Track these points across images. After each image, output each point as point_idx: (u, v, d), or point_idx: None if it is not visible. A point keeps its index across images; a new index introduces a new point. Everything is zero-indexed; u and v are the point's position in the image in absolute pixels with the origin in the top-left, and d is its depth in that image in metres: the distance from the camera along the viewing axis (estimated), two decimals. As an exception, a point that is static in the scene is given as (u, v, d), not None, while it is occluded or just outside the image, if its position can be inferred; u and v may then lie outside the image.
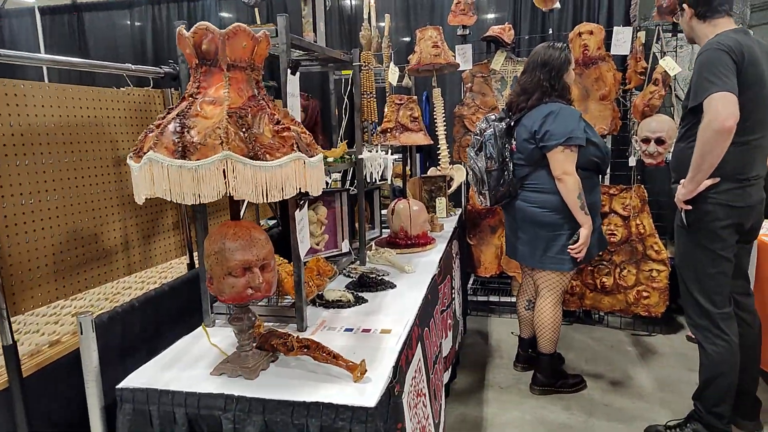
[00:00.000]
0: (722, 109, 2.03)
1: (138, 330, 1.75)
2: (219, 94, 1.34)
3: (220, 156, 1.22)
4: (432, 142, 2.91)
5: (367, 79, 2.43)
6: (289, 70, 1.63)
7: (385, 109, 2.81)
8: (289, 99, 1.64)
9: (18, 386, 1.47)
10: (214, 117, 1.29)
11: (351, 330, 1.69)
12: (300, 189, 1.35)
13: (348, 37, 4.54)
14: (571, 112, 2.55)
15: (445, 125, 3.72)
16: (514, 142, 2.67)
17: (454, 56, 3.65)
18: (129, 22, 5.22)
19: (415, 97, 2.80)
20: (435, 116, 3.71)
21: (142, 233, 2.08)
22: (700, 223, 2.25)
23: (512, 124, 2.70)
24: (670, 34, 3.39)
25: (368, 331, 1.67)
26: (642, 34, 3.40)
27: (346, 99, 2.91)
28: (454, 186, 3.85)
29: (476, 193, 2.83)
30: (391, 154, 2.62)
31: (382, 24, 3.67)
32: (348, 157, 2.37)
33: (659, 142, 3.31)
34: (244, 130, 1.29)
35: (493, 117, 2.79)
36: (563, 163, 2.49)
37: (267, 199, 1.29)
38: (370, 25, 3.16)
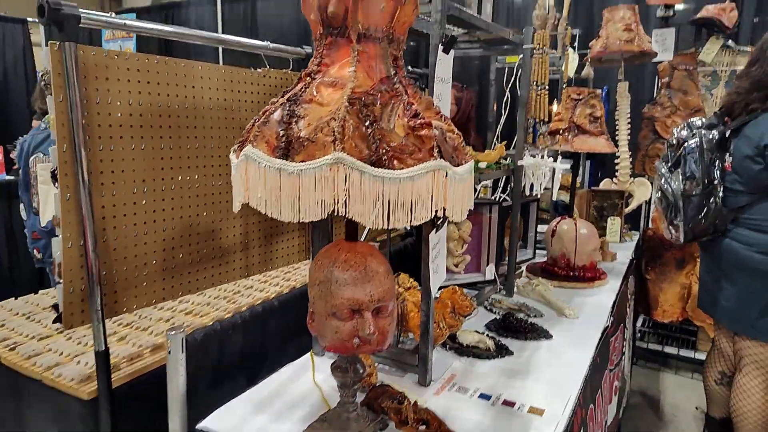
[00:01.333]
0: None
1: (238, 350, 1.52)
2: (343, 73, 0.99)
3: (329, 159, 0.87)
4: (616, 150, 2.32)
5: (542, 66, 1.94)
6: (441, 47, 1.23)
7: (556, 106, 2.28)
8: (437, 85, 1.25)
9: (106, 397, 1.32)
10: (331, 104, 0.96)
11: (488, 398, 1.26)
12: (437, 211, 0.96)
13: (517, 24, 4.03)
14: None
15: (629, 128, 3.04)
16: (729, 159, 1.96)
17: (651, 42, 2.95)
18: (295, 10, 5.27)
19: (599, 92, 2.23)
20: (618, 117, 3.05)
21: (263, 232, 1.87)
22: None
23: (728, 133, 1.99)
24: None
25: (512, 405, 1.23)
26: None
27: (507, 91, 2.45)
28: (633, 204, 3.15)
29: (665, 223, 2.14)
30: (561, 161, 2.10)
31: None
32: (505, 162, 1.92)
33: None
34: (368, 123, 0.93)
35: (699, 122, 2.08)
36: None
37: (389, 224, 0.92)
38: (547, 3, 2.63)
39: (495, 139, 2.67)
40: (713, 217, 1.99)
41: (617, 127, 3.05)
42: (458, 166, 1.01)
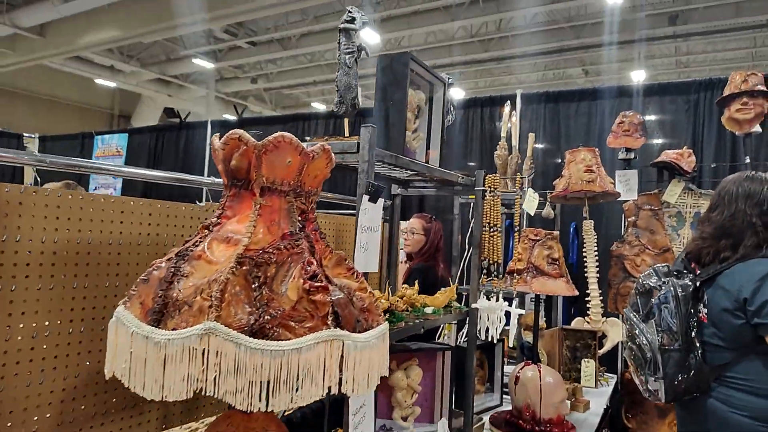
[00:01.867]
0: None
1: None
2: (240, 227, 0.93)
3: (200, 329, 0.77)
4: (576, 293, 2.23)
5: (492, 208, 1.91)
6: (366, 197, 1.19)
7: (516, 245, 2.24)
8: (362, 234, 1.18)
9: None
10: (220, 262, 0.87)
11: None
12: (331, 387, 0.84)
13: (491, 158, 4.18)
14: None
15: (597, 266, 2.98)
16: (704, 310, 1.81)
17: (613, 183, 3.01)
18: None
19: (556, 233, 2.20)
20: (585, 254, 3.01)
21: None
22: None
23: (698, 283, 1.84)
24: None
25: None
26: None
27: (472, 225, 2.42)
28: (608, 346, 3.00)
29: (640, 380, 1.89)
30: (518, 303, 2.01)
31: (526, 146, 3.21)
32: (457, 306, 1.82)
33: None
34: (256, 286, 0.84)
35: (665, 269, 1.97)
36: None
37: (268, 406, 0.79)
38: (509, 145, 2.72)
39: (458, 273, 2.60)
40: (695, 375, 1.78)
41: (586, 264, 3.00)
42: (366, 330, 0.91)
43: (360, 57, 1.38)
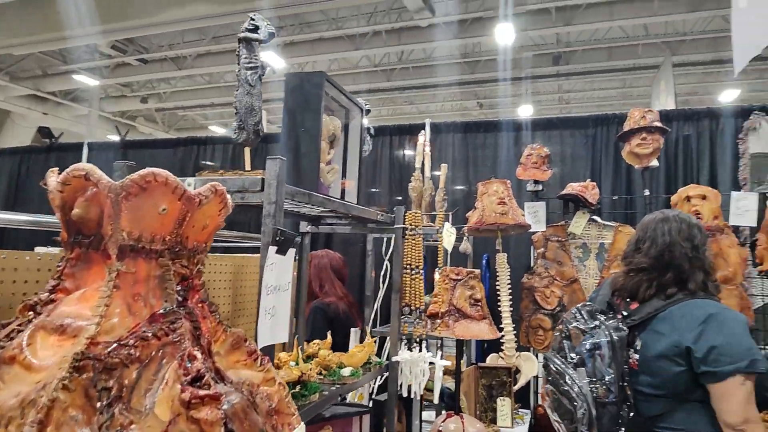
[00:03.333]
0: None
1: None
2: (83, 308, 0.63)
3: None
4: (499, 335, 2.11)
5: (413, 248, 1.73)
6: (272, 248, 0.93)
7: (436, 285, 2.07)
8: (265, 298, 0.92)
9: None
10: (45, 369, 0.58)
11: None
12: None
13: (400, 187, 4.05)
14: (736, 317, 1.59)
15: (510, 300, 2.92)
16: (635, 356, 1.63)
17: (524, 215, 2.99)
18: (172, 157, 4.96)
19: (477, 272, 2.07)
20: (499, 287, 2.93)
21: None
22: None
23: (627, 328, 1.65)
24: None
25: None
26: (775, 203, 2.64)
27: (387, 262, 2.23)
28: (522, 381, 2.91)
29: (564, 430, 1.69)
30: (438, 345, 1.83)
31: (438, 173, 3.11)
32: (377, 362, 1.59)
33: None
34: (104, 405, 0.56)
35: (588, 308, 1.76)
36: (744, 404, 1.47)
37: None
38: (423, 176, 2.58)
39: (371, 317, 2.38)
40: (627, 428, 1.61)
41: (499, 298, 2.93)
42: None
43: (263, 74, 1.13)
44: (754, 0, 3.93)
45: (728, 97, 11.53)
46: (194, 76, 11.51)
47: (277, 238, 0.94)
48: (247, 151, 1.16)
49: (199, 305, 0.72)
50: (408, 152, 3.82)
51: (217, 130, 14.43)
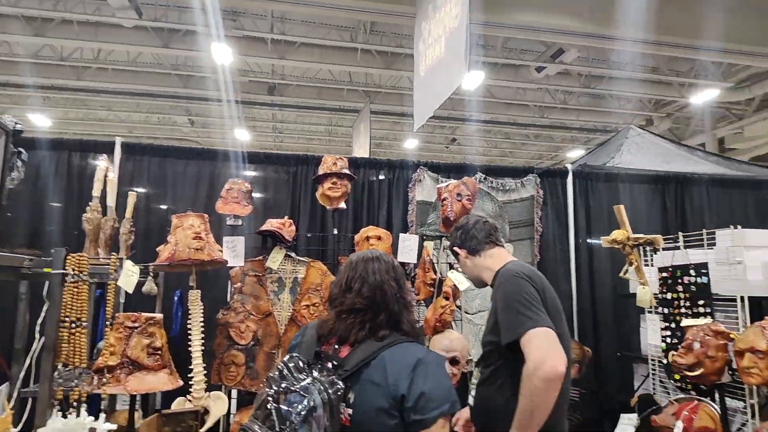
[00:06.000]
0: (547, 350, 1.71)
1: None
2: None
3: None
4: (181, 383, 1.97)
5: (77, 297, 1.47)
6: None
7: (108, 336, 1.82)
8: None
9: None
10: None
11: None
12: None
13: (74, 219, 3.43)
14: (437, 359, 1.58)
15: (203, 338, 2.80)
16: (347, 411, 1.49)
17: (221, 250, 2.93)
18: None
19: (159, 317, 1.90)
20: (191, 326, 2.78)
21: None
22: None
23: (337, 378, 1.49)
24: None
25: None
26: (430, 244, 3.23)
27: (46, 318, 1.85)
28: (210, 421, 2.80)
29: None
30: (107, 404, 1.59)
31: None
32: (10, 445, 1.28)
33: (453, 362, 2.95)
34: None
35: (294, 364, 1.50)
36: None
37: None
38: (103, 206, 2.26)
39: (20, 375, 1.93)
40: None
41: (190, 337, 2.77)
42: None
43: None
44: (429, 70, 4.83)
45: (410, 144, 13.93)
46: None
47: None
48: None
49: None
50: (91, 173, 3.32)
51: None
